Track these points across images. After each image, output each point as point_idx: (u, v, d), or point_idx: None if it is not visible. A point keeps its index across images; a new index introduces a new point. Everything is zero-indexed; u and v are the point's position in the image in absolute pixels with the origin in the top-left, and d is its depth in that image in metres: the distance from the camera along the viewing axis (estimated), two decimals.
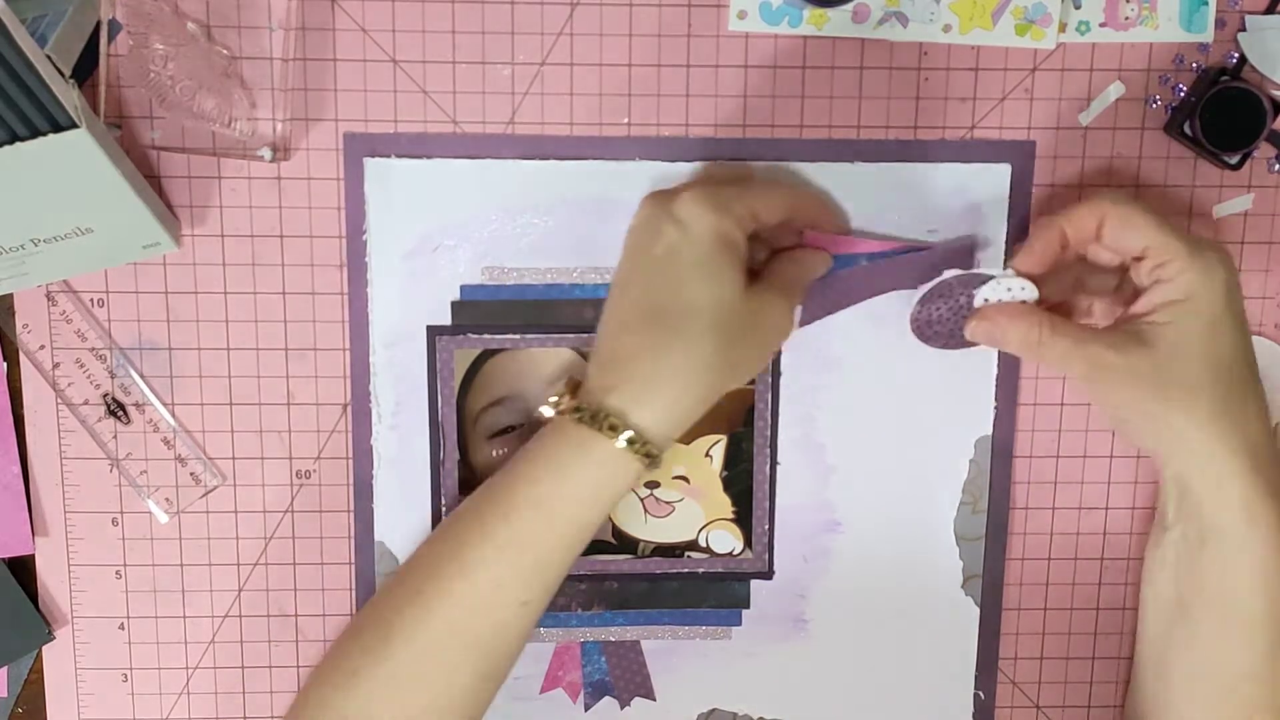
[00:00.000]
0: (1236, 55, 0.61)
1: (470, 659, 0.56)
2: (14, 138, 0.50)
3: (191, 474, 0.63)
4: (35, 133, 0.50)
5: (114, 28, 0.58)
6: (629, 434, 0.53)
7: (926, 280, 0.59)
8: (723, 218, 0.54)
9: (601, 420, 0.53)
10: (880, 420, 0.64)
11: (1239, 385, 0.55)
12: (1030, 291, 0.57)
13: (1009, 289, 0.58)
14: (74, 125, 0.51)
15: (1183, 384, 0.54)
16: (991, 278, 0.58)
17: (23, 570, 0.63)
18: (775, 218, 0.57)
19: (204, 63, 0.58)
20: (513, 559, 0.55)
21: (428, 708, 0.56)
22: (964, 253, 0.62)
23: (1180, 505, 0.58)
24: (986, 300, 0.58)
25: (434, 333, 0.62)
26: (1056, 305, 0.60)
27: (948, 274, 0.59)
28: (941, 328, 0.60)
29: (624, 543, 0.65)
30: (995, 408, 0.64)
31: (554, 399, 0.57)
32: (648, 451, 0.54)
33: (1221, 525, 0.56)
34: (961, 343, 0.60)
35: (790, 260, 0.59)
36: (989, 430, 0.64)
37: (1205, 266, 0.54)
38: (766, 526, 0.65)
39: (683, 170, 0.61)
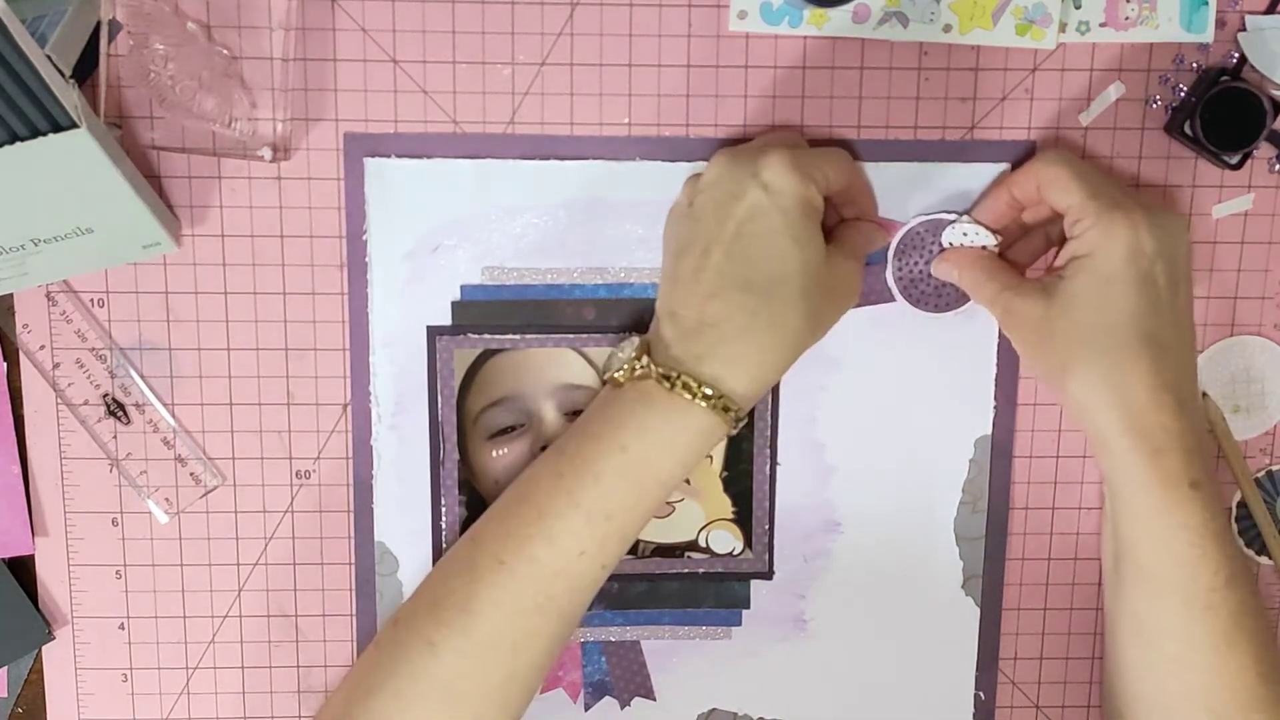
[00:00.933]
0: (1236, 55, 0.61)
1: (550, 625, 0.56)
2: (14, 138, 0.50)
3: (191, 474, 0.63)
4: (35, 133, 0.50)
5: (114, 28, 0.58)
6: (723, 399, 0.54)
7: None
8: (807, 183, 0.55)
9: (695, 388, 0.54)
10: (880, 420, 0.64)
11: (1126, 347, 0.54)
12: (986, 236, 0.60)
13: (965, 233, 0.61)
14: (74, 125, 0.51)
15: (1068, 337, 0.55)
16: (953, 220, 0.61)
17: (23, 570, 0.63)
18: (839, 187, 0.58)
19: (204, 63, 0.58)
20: (599, 526, 0.55)
21: (510, 676, 0.56)
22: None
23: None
24: (950, 244, 0.61)
25: (434, 333, 0.62)
26: (1022, 248, 0.62)
27: (913, 221, 0.61)
28: (926, 286, 0.62)
29: None
30: (995, 408, 0.64)
31: (626, 363, 0.56)
32: (738, 415, 0.55)
33: (1112, 482, 0.56)
34: (952, 302, 0.62)
35: (855, 229, 0.60)
36: (989, 430, 0.64)
37: (1107, 226, 0.55)
38: (766, 526, 0.65)
39: (682, 170, 0.61)
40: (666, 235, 0.60)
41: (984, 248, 0.61)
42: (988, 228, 0.60)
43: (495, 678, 0.56)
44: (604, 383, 0.59)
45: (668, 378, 0.54)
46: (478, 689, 0.56)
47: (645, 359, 0.55)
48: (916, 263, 0.62)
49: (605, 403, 0.57)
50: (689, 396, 0.54)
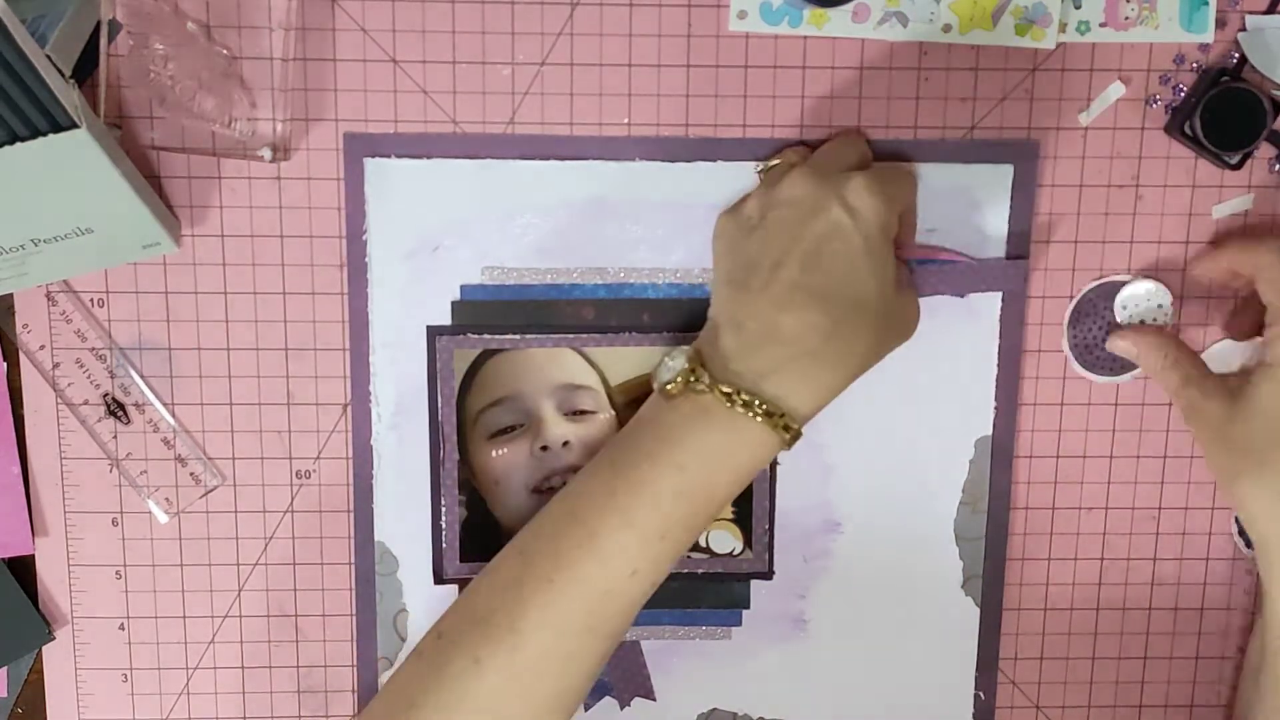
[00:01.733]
0: (1236, 55, 0.61)
1: (596, 644, 0.54)
2: (14, 138, 0.50)
3: (191, 474, 0.63)
4: (35, 133, 0.50)
5: (114, 28, 0.58)
6: (784, 418, 0.53)
7: (973, 290, 0.61)
8: (889, 207, 0.54)
9: (757, 409, 0.52)
10: (880, 420, 0.64)
11: None
12: (1164, 294, 0.61)
13: (1144, 291, 0.62)
14: (74, 125, 0.51)
15: (1246, 444, 0.55)
16: (1127, 280, 0.61)
17: (23, 570, 0.63)
18: (905, 209, 0.58)
19: (204, 63, 0.58)
20: (653, 546, 0.53)
21: (556, 694, 0.54)
22: (1018, 274, 0.62)
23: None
24: (1124, 308, 0.62)
25: (434, 333, 0.62)
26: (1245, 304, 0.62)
27: (1086, 287, 0.62)
28: (1102, 352, 0.63)
29: None
30: (995, 408, 0.64)
31: (678, 374, 0.54)
32: (796, 435, 0.53)
33: (1270, 593, 0.57)
34: (1129, 365, 0.63)
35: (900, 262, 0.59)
36: (989, 430, 0.64)
37: None
38: (766, 526, 0.65)
39: (683, 170, 0.61)
40: (726, 243, 0.58)
41: (1159, 310, 0.61)
42: (1165, 285, 0.61)
43: (540, 696, 0.54)
44: (651, 390, 0.57)
45: (728, 395, 0.52)
46: (522, 707, 0.54)
47: (702, 371, 0.53)
48: (1090, 329, 0.62)
49: (657, 415, 0.55)
50: (750, 415, 0.52)
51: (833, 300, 0.53)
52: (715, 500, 0.54)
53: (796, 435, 0.54)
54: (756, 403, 0.52)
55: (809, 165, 0.56)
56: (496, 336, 0.62)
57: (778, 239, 0.54)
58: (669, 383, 0.54)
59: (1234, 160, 0.61)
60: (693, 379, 0.53)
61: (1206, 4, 0.61)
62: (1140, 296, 0.62)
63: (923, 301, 0.62)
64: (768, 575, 0.65)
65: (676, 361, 0.54)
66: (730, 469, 0.54)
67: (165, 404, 0.62)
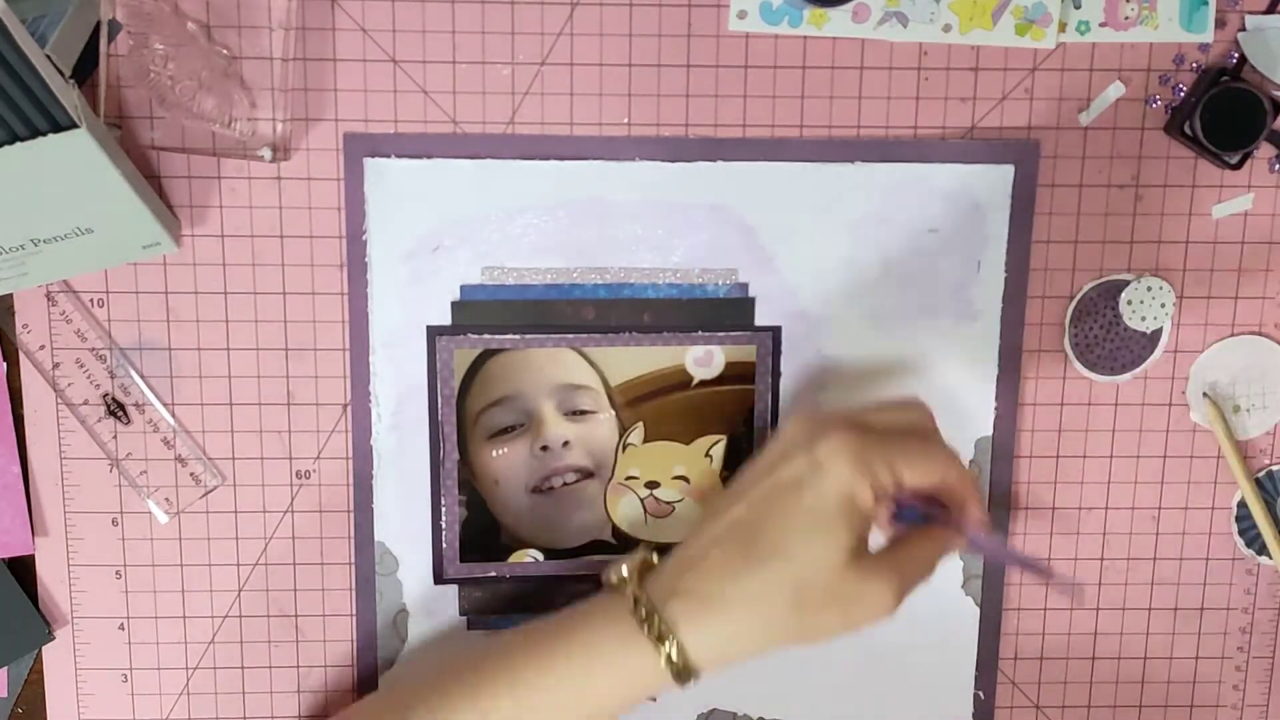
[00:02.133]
0: (1236, 55, 0.61)
1: None
2: (14, 138, 0.50)
3: (191, 474, 0.63)
4: (35, 133, 0.50)
5: (114, 28, 0.58)
6: (668, 651, 0.51)
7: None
8: (859, 476, 0.50)
9: (653, 624, 0.51)
10: None
11: None
12: (1169, 293, 0.60)
13: (1149, 288, 0.61)
14: (74, 125, 0.51)
15: None
16: (1128, 283, 0.61)
17: (23, 570, 0.63)
18: (921, 485, 0.52)
19: (204, 63, 0.58)
20: (527, 716, 0.53)
21: None
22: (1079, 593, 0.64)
23: None
24: (1129, 303, 0.62)
25: (434, 333, 0.62)
26: None
27: (1086, 287, 0.61)
28: (1103, 350, 0.62)
29: (624, 543, 0.65)
30: (995, 408, 0.64)
31: (624, 569, 0.54)
32: (680, 671, 0.51)
33: None
34: (1129, 364, 0.62)
35: (923, 542, 0.54)
36: (989, 430, 0.64)
37: None
38: None
39: (682, 170, 0.61)
40: (750, 464, 0.56)
41: (1161, 309, 0.61)
42: (1168, 283, 0.61)
43: None
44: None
45: (636, 601, 0.52)
46: None
47: (634, 573, 0.54)
48: (1090, 329, 0.62)
49: (592, 603, 0.55)
50: (644, 631, 0.51)
51: (757, 546, 0.51)
52: (590, 704, 0.53)
53: (686, 674, 0.51)
54: (656, 620, 0.51)
55: (811, 410, 0.54)
56: (496, 336, 0.62)
57: (750, 472, 0.54)
58: (613, 575, 0.55)
59: (1234, 160, 0.61)
60: (619, 579, 0.54)
61: (1206, 4, 0.61)
62: (1149, 292, 0.62)
63: (922, 301, 0.62)
64: None
65: (631, 560, 0.55)
66: (607, 677, 0.53)
67: (165, 404, 0.62)
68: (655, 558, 0.55)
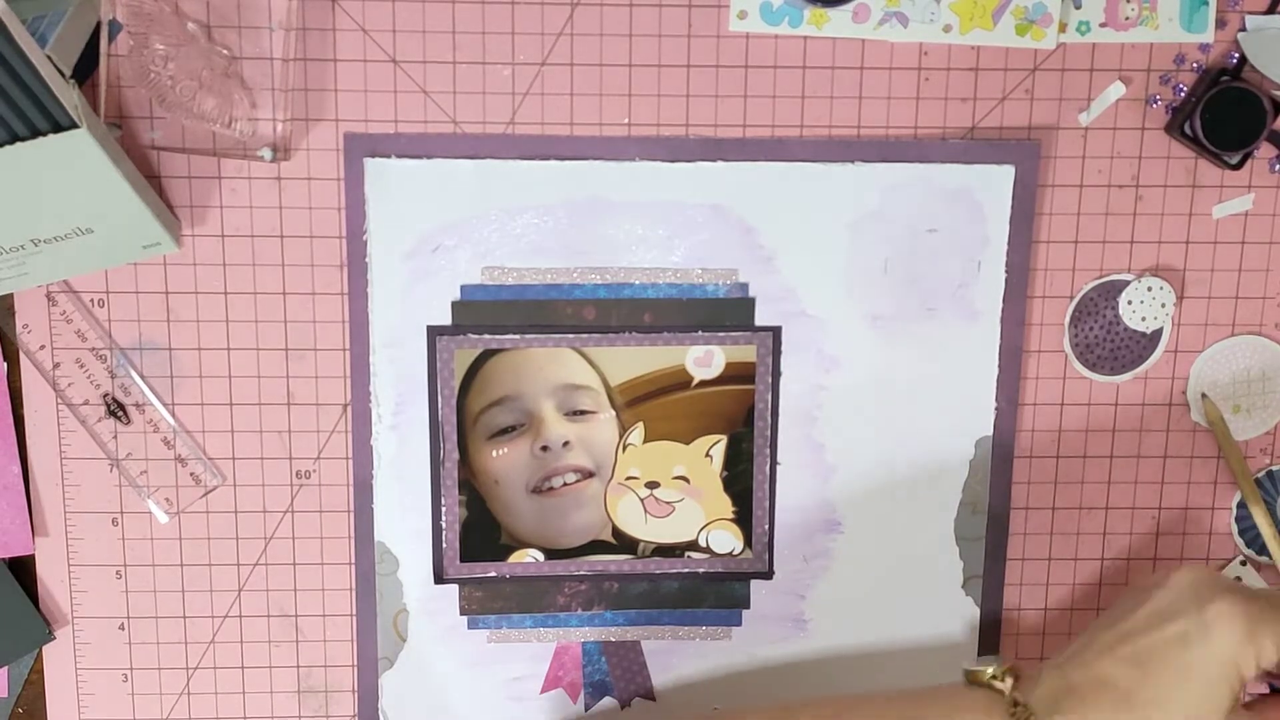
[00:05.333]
0: (1236, 55, 0.61)
1: None
2: (14, 138, 0.50)
3: (191, 474, 0.63)
4: (35, 133, 0.50)
5: (114, 28, 0.58)
6: None
7: None
8: (1245, 646, 0.52)
9: None
10: (880, 420, 0.64)
11: None
12: (1169, 293, 0.60)
13: (1149, 288, 0.61)
14: (74, 125, 0.51)
15: None
16: (1128, 283, 0.60)
17: (23, 570, 0.63)
18: None
19: (204, 63, 0.58)
20: None
21: None
22: None
23: None
24: (1129, 303, 0.62)
25: (434, 333, 0.62)
26: None
27: (1086, 287, 0.61)
28: (1103, 350, 0.62)
29: (624, 543, 0.65)
30: (995, 408, 0.64)
31: (993, 669, 0.56)
32: None
33: None
34: (1129, 364, 0.62)
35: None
36: (989, 430, 0.64)
37: None
38: (766, 526, 0.65)
39: (682, 170, 0.61)
40: (1130, 591, 0.59)
41: (1162, 310, 0.61)
42: (1168, 283, 0.61)
43: None
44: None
45: (1016, 702, 0.54)
46: None
47: (1009, 675, 0.55)
48: (1091, 329, 0.62)
49: (951, 689, 0.57)
50: None
51: (1140, 694, 0.53)
52: None
53: None
54: None
55: (1204, 568, 0.56)
56: (496, 336, 0.62)
57: (1136, 617, 0.55)
58: (974, 670, 0.56)
59: (1234, 160, 0.61)
60: (992, 678, 0.55)
61: (1206, 4, 0.61)
62: (1150, 292, 0.62)
63: (922, 301, 0.62)
64: (768, 575, 0.65)
65: (997, 663, 0.56)
66: None
67: (165, 404, 0.62)
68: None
